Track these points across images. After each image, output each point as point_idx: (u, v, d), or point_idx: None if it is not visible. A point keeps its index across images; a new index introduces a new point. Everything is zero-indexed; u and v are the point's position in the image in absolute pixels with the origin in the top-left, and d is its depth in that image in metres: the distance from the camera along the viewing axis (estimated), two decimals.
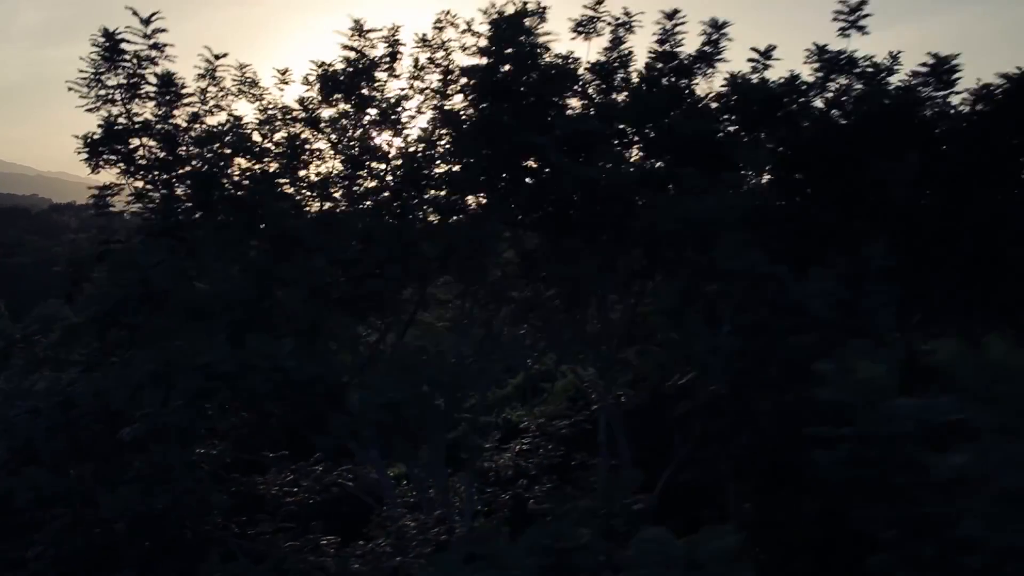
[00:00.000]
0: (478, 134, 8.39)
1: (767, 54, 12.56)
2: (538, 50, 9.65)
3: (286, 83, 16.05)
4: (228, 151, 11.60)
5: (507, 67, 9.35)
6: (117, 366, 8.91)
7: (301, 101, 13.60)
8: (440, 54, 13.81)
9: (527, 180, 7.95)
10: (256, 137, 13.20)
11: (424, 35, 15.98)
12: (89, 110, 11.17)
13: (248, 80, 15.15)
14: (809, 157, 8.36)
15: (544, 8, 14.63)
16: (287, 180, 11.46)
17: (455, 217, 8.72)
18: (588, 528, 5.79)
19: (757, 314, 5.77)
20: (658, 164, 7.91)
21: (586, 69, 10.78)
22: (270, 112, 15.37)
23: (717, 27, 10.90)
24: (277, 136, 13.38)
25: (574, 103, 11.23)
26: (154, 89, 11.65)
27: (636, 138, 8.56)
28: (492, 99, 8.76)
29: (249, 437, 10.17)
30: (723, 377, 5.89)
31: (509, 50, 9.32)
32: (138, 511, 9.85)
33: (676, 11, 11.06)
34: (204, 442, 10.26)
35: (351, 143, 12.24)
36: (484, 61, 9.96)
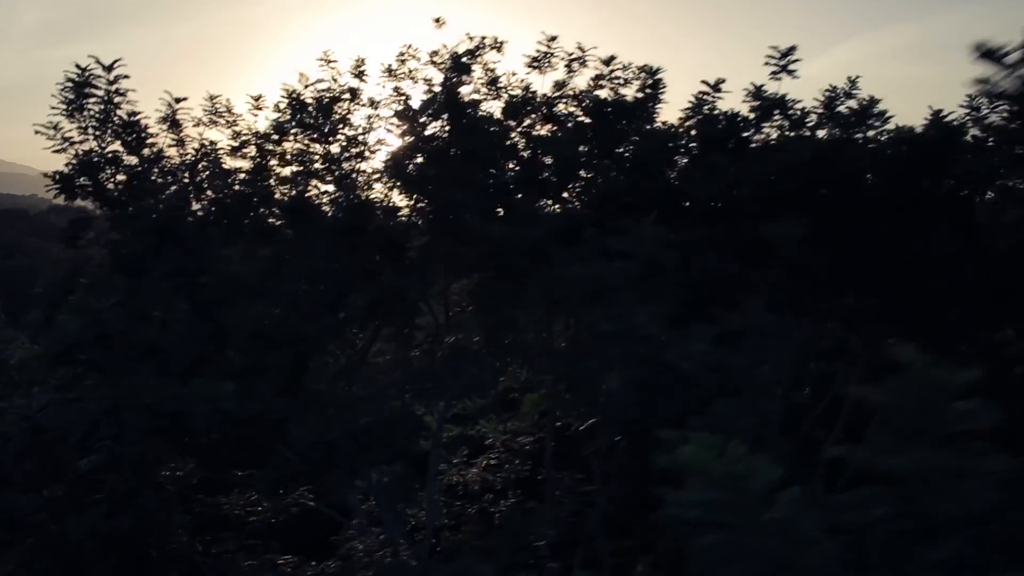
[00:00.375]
0: (411, 185, 8.92)
1: (717, 87, 13.10)
2: (473, 112, 10.17)
3: (260, 108, 16.67)
4: (190, 189, 12.18)
5: (441, 126, 9.90)
6: (74, 403, 9.49)
7: (276, 127, 14.26)
8: (402, 86, 14.42)
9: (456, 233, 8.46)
10: (231, 162, 13.83)
11: (390, 66, 16.58)
12: (56, 151, 11.78)
13: (218, 111, 15.79)
14: (724, 205, 8.87)
15: (501, 43, 15.19)
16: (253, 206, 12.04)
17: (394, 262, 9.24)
18: (491, 566, 6.34)
19: (639, 372, 6.30)
20: (579, 216, 8.41)
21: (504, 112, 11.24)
22: (243, 138, 16.00)
23: (652, 73, 11.40)
24: (246, 163, 14.00)
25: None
26: (120, 129, 12.26)
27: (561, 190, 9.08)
28: (424, 155, 9.29)
29: (210, 460, 10.74)
30: (616, 427, 6.39)
31: (444, 114, 9.85)
32: (104, 532, 10.46)
33: (612, 57, 11.61)
34: (169, 464, 10.86)
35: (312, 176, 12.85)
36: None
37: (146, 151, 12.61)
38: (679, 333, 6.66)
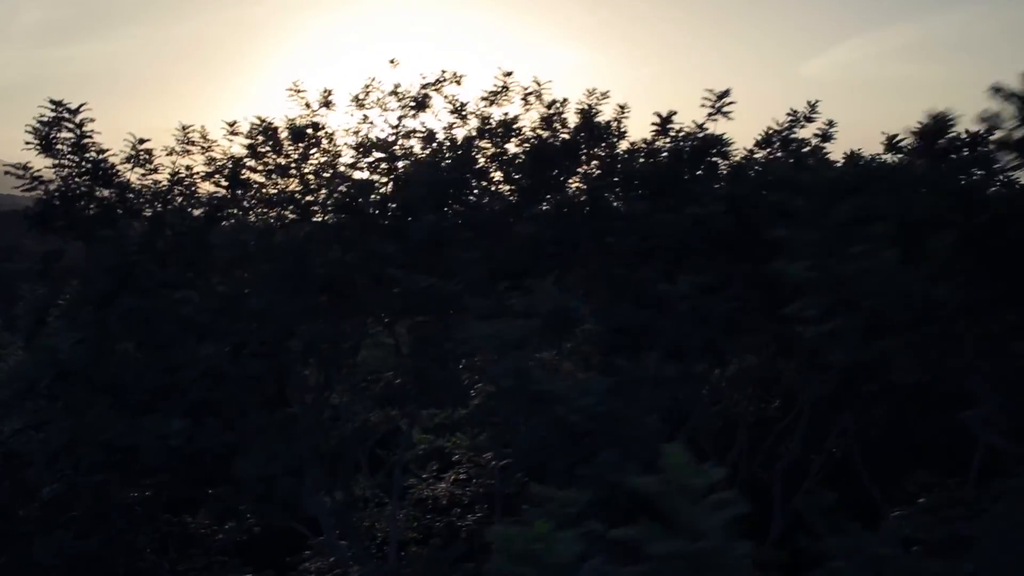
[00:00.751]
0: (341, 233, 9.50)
1: (667, 121, 13.66)
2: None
3: (235, 134, 17.27)
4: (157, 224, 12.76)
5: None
6: (39, 432, 10.13)
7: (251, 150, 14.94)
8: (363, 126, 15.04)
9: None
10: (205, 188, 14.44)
11: (357, 95, 17.17)
12: (25, 190, 12.39)
13: (190, 139, 16.42)
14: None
15: (460, 77, 15.74)
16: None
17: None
18: None
19: (536, 423, 6.88)
20: (501, 265, 8.94)
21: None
22: (218, 163, 16.62)
23: (588, 114, 11.95)
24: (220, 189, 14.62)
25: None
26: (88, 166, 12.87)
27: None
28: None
29: (165, 487, 11.34)
30: (523, 470, 6.95)
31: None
32: (72, 552, 11.10)
33: (555, 102, 12.18)
34: (127, 491, 11.45)
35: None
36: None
37: (115, 188, 13.25)
38: (575, 385, 7.24)
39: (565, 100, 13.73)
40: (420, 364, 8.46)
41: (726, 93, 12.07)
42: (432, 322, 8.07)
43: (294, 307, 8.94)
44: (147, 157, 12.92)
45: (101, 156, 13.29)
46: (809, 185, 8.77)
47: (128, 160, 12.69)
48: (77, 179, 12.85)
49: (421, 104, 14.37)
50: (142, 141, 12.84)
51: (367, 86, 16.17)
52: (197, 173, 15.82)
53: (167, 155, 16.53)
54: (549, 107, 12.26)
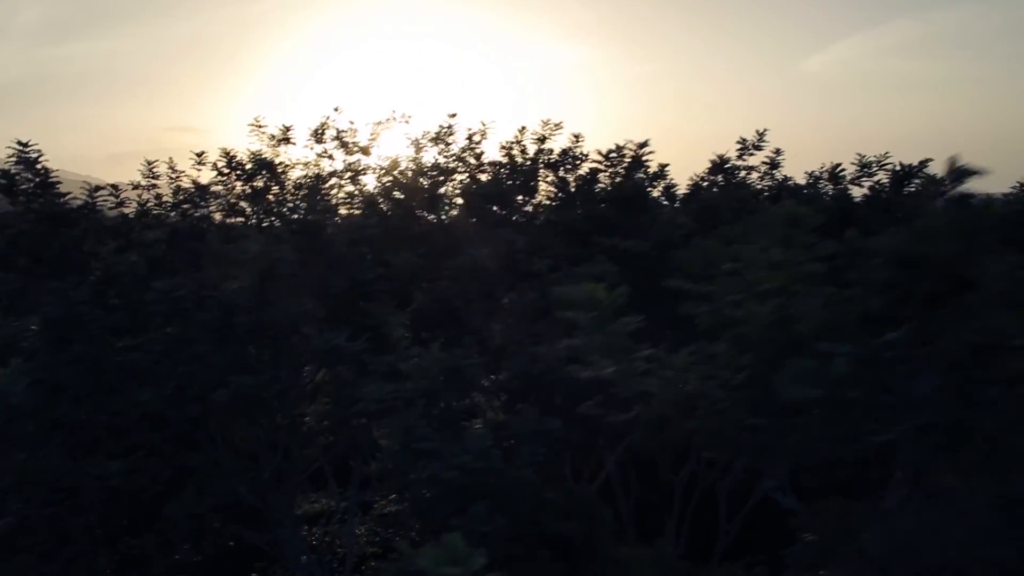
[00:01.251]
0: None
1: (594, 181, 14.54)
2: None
3: (203, 164, 18.11)
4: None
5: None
6: None
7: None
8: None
9: None
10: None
11: (316, 130, 17.99)
12: None
13: (155, 173, 17.27)
14: None
15: (408, 118, 16.50)
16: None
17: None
18: None
19: (419, 477, 7.68)
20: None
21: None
22: (184, 193, 17.47)
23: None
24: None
25: None
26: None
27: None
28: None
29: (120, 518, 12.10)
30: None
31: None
32: None
33: (486, 160, 13.07)
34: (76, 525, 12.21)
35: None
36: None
37: (76, 228, 14.08)
38: (457, 442, 8.03)
39: (522, 140, 14.60)
40: (337, 415, 9.26)
41: (646, 143, 12.88)
42: (344, 378, 8.85)
43: (224, 357, 9.72)
44: (115, 194, 13.89)
45: (61, 200, 14.15)
46: None
47: (84, 208, 13.57)
48: (38, 223, 13.72)
49: (364, 150, 15.20)
50: (98, 189, 13.75)
51: (322, 126, 17.03)
52: (165, 202, 16.75)
53: (133, 189, 17.51)
54: (478, 158, 13.02)
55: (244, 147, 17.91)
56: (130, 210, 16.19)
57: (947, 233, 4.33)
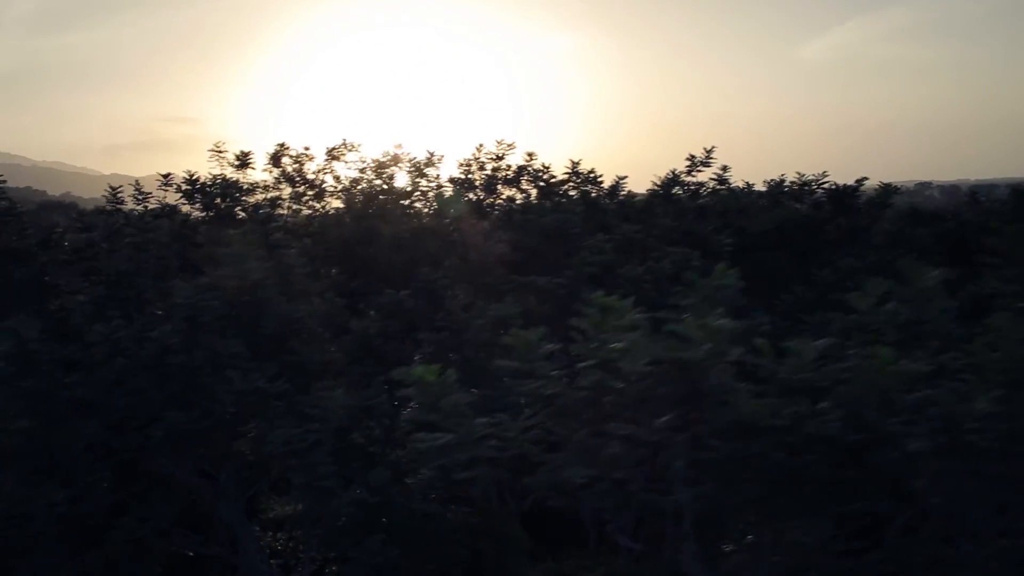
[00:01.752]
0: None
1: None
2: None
3: (169, 186, 18.89)
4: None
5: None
6: None
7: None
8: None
9: None
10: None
11: (276, 152, 18.72)
12: None
13: (120, 197, 18.04)
14: None
15: (357, 146, 17.18)
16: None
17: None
18: None
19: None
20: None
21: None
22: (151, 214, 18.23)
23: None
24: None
25: None
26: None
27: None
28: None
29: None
30: None
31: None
32: None
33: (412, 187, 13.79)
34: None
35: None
36: None
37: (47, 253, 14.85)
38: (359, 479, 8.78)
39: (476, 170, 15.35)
40: (256, 453, 10.02)
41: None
42: (264, 418, 9.61)
43: (162, 393, 10.49)
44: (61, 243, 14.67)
45: (26, 232, 14.91)
46: None
47: (45, 243, 14.31)
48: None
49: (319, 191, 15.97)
50: (61, 233, 14.60)
51: (282, 147, 17.73)
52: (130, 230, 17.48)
53: (100, 214, 18.32)
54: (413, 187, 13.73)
55: (207, 170, 18.70)
56: (96, 233, 16.96)
57: None
